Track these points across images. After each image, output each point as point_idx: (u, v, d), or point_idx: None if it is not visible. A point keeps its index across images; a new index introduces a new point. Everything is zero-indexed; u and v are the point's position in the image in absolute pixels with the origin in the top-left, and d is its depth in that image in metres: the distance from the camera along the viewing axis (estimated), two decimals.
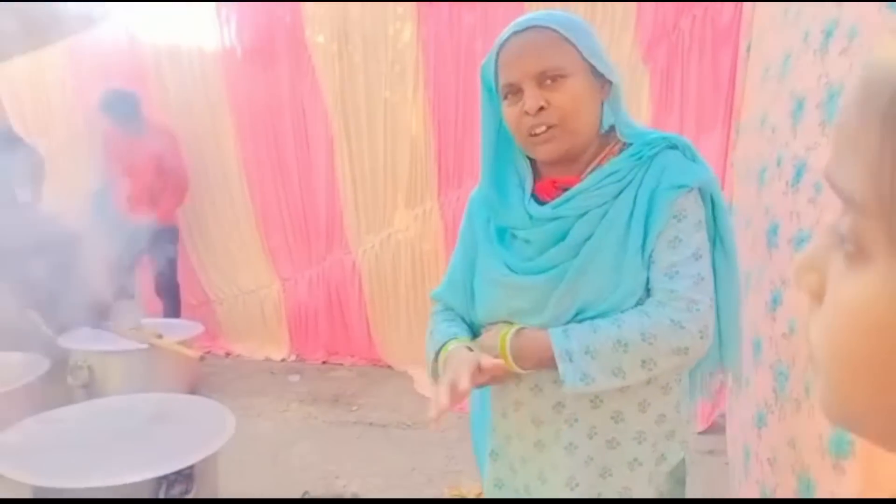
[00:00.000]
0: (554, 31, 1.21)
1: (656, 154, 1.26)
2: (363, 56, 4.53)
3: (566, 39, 1.21)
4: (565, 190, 1.28)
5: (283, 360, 5.06)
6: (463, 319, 1.47)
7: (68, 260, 4.45)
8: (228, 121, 5.00)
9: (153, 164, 4.87)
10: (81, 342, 4.21)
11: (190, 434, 2.94)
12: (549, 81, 1.21)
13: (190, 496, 2.55)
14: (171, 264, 5.17)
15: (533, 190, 1.33)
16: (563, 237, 1.27)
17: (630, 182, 1.25)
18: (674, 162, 1.26)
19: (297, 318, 5.05)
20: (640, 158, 1.26)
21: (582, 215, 1.26)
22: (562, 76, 1.20)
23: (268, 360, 5.09)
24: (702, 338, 1.21)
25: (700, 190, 1.26)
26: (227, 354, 5.22)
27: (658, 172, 1.24)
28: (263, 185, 4.99)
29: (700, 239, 1.25)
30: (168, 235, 5.09)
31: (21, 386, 3.50)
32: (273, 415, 4.09)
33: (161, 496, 2.59)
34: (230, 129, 5.00)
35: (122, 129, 4.87)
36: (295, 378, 4.71)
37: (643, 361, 1.20)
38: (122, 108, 4.78)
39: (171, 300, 5.14)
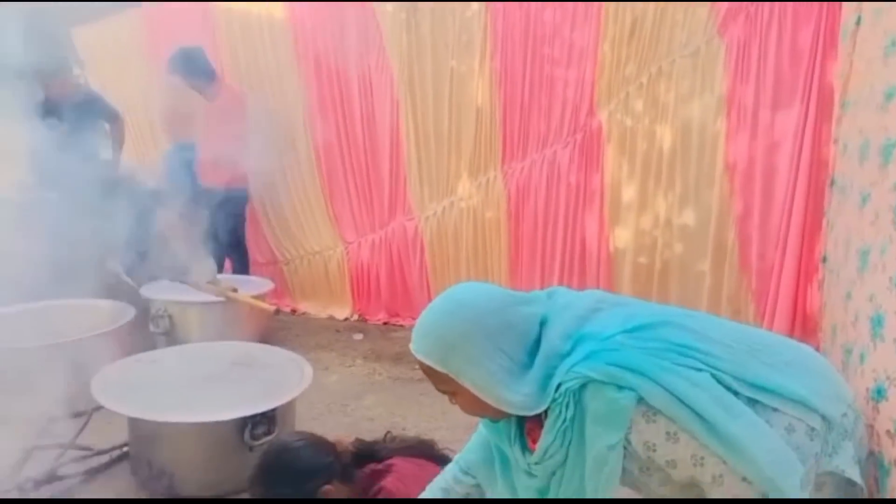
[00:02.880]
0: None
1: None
2: (431, 25, 4.59)
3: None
4: None
5: (346, 320, 5.26)
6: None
7: (147, 216, 4.70)
8: (297, 87, 5.14)
9: (224, 127, 5.03)
10: (162, 293, 4.47)
11: (272, 380, 3.15)
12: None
13: (271, 438, 2.72)
14: (241, 224, 5.40)
15: None
16: None
17: None
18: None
19: (360, 280, 5.23)
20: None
21: None
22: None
23: (332, 318, 5.30)
24: None
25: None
26: (293, 312, 5.45)
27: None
28: (330, 151, 5.14)
29: None
30: (238, 196, 5.30)
31: (111, 330, 3.76)
32: (340, 369, 4.29)
33: (245, 437, 2.80)
34: (298, 95, 5.15)
35: (193, 90, 5.04)
36: (358, 336, 4.90)
37: None
38: (193, 66, 4.93)
39: (240, 259, 5.38)
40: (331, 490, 1.79)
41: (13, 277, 4.18)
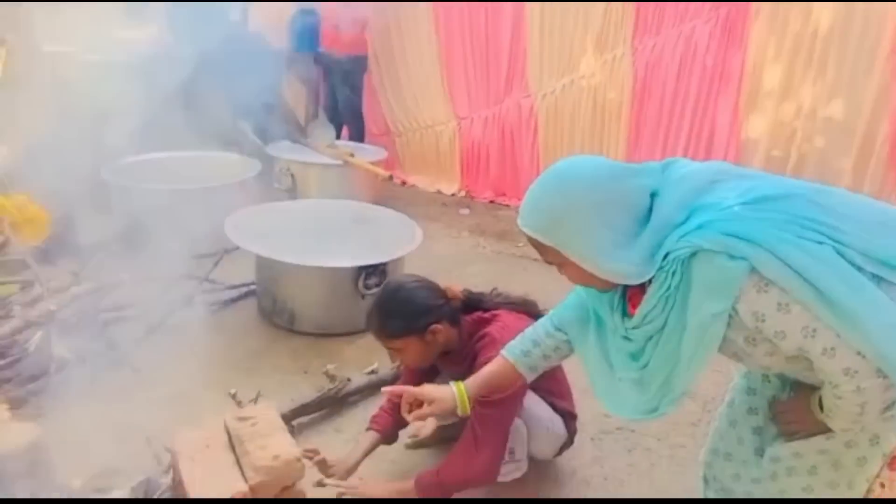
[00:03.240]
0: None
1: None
2: None
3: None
4: None
5: (453, 195, 5.34)
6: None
7: (273, 78, 4.86)
8: None
9: None
10: (285, 152, 4.69)
11: (384, 238, 3.30)
12: None
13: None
14: (358, 93, 5.48)
15: None
16: None
17: None
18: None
19: (470, 157, 5.23)
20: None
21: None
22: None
23: (439, 193, 5.39)
24: None
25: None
26: (403, 184, 5.59)
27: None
28: (450, 24, 4.99)
29: None
30: (357, 64, 5.35)
31: (240, 181, 4.03)
32: (446, 239, 4.41)
33: (359, 286, 2.99)
34: None
35: None
36: (465, 211, 4.99)
37: None
38: None
39: (356, 127, 5.50)
40: (439, 329, 1.89)
41: (152, 128, 4.53)
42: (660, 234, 1.23)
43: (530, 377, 1.67)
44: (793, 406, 1.39)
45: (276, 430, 1.84)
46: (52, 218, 2.48)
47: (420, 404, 1.67)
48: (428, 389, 1.69)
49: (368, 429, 2.11)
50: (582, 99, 4.51)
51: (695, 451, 1.69)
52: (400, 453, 2.28)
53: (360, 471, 2.02)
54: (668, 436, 2.43)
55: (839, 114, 3.52)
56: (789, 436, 1.38)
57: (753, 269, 1.15)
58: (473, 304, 2.02)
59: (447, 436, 2.28)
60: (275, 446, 1.77)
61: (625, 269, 1.24)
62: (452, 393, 1.64)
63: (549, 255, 1.32)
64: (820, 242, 1.16)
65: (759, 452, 1.45)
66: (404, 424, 2.18)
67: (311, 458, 1.90)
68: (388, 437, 2.12)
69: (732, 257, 1.16)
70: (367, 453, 2.05)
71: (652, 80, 4.18)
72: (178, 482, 1.77)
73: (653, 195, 1.28)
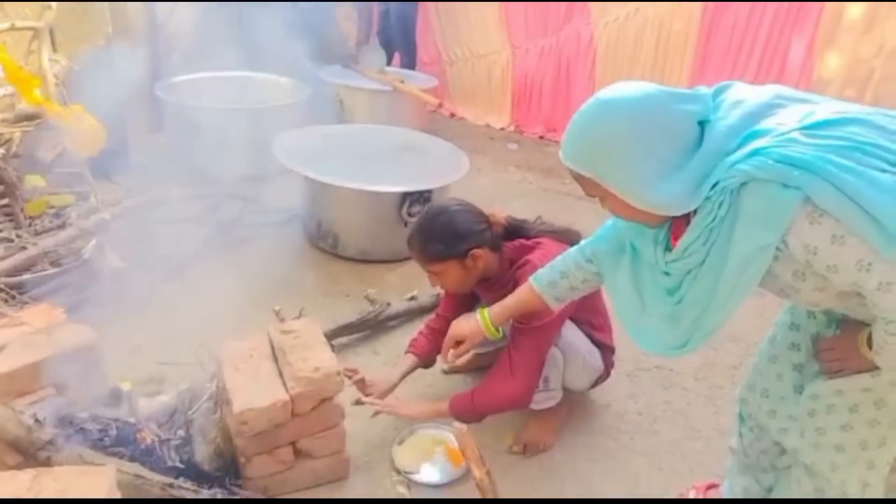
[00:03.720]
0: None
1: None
2: None
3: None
4: None
5: (502, 129, 5.23)
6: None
7: (325, 2, 4.76)
8: None
9: None
10: (335, 77, 4.64)
11: (431, 166, 3.26)
12: None
13: None
14: (411, 20, 5.33)
15: None
16: None
17: None
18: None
19: (522, 89, 5.08)
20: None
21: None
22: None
23: (488, 126, 5.28)
24: None
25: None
26: (452, 115, 5.49)
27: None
28: None
29: None
30: None
31: (290, 104, 4.02)
32: (492, 173, 4.35)
33: (402, 212, 2.98)
34: None
35: None
36: (513, 146, 4.88)
37: None
38: None
39: (408, 54, 5.38)
40: (479, 254, 1.87)
41: (208, 48, 4.52)
42: (709, 162, 1.15)
43: (555, 307, 1.68)
44: (838, 343, 1.33)
45: (317, 344, 1.89)
46: (107, 131, 2.51)
47: (458, 343, 1.78)
48: (458, 329, 1.79)
49: (407, 352, 2.14)
50: (645, 29, 4.27)
51: (732, 393, 1.66)
52: (437, 377, 2.31)
53: (397, 393, 2.06)
54: (706, 376, 2.39)
55: None
56: (832, 373, 1.33)
57: (807, 199, 1.07)
58: (516, 230, 1.99)
59: (483, 364, 2.31)
60: (315, 359, 1.82)
61: (666, 200, 1.17)
62: (478, 321, 1.71)
63: (590, 188, 1.26)
64: (882, 170, 1.07)
65: (799, 390, 1.41)
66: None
67: (350, 377, 1.94)
68: (426, 361, 2.15)
69: (785, 186, 1.08)
70: (404, 375, 2.08)
71: (722, 11, 3.92)
72: (221, 389, 1.84)
73: (703, 123, 1.19)
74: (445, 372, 2.35)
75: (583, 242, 1.60)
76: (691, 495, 1.81)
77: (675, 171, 1.16)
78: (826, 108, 1.17)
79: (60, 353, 1.83)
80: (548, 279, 1.63)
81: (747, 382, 1.56)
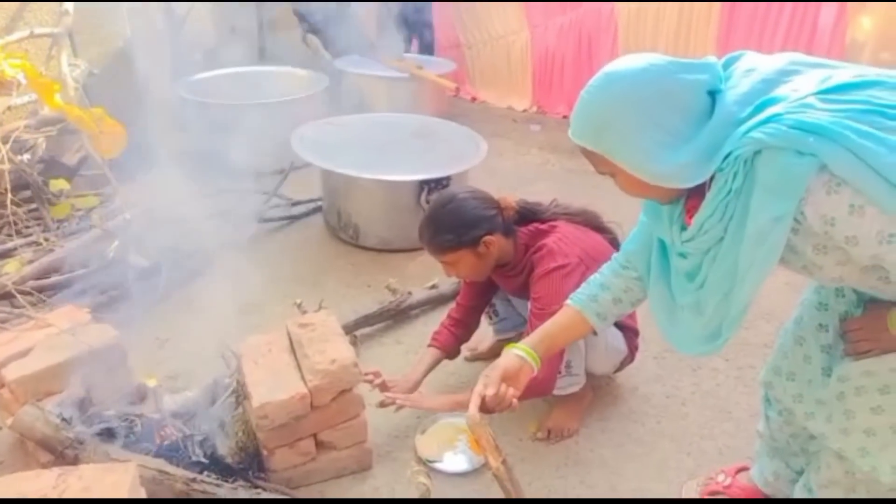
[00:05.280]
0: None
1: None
2: None
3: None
4: None
5: (524, 111, 5.15)
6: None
7: None
8: None
9: None
10: (353, 66, 4.62)
11: (449, 152, 3.23)
12: None
13: None
14: (427, 4, 5.28)
15: None
16: None
17: None
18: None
19: (543, 69, 4.98)
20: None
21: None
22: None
23: (510, 109, 5.21)
24: None
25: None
26: (473, 99, 5.43)
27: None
28: None
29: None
30: None
31: (308, 96, 4.02)
32: (514, 157, 4.29)
33: (421, 200, 2.95)
34: None
35: None
36: (536, 128, 4.81)
37: None
38: None
39: (425, 39, 5.34)
40: (491, 240, 1.84)
41: (222, 43, 4.55)
42: (720, 132, 1.10)
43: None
44: (866, 322, 1.26)
45: (334, 336, 1.89)
46: (128, 131, 2.55)
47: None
48: (496, 375, 1.46)
49: (430, 345, 2.11)
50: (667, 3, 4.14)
51: None
52: (459, 365, 2.30)
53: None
54: (736, 356, 2.32)
55: None
56: (860, 354, 1.26)
57: (824, 167, 1.01)
58: (529, 214, 1.94)
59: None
60: (332, 351, 1.81)
61: (675, 171, 1.12)
62: (516, 356, 1.47)
63: (600, 165, 1.21)
64: None
65: (827, 373, 1.34)
66: (465, 340, 2.19)
67: (371, 382, 1.92)
68: (450, 354, 2.13)
69: (800, 154, 1.02)
70: (429, 370, 2.06)
71: None
72: (241, 384, 1.85)
73: (714, 93, 1.14)
74: (468, 359, 2.33)
75: (616, 253, 1.54)
76: (720, 479, 1.75)
77: (684, 142, 1.12)
78: (845, 71, 1.10)
79: (85, 352, 1.87)
80: (587, 294, 1.51)
81: (772, 365, 1.50)
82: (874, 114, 1.01)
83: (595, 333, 1.55)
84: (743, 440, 1.96)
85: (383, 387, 1.95)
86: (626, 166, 1.16)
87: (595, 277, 1.53)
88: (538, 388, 1.82)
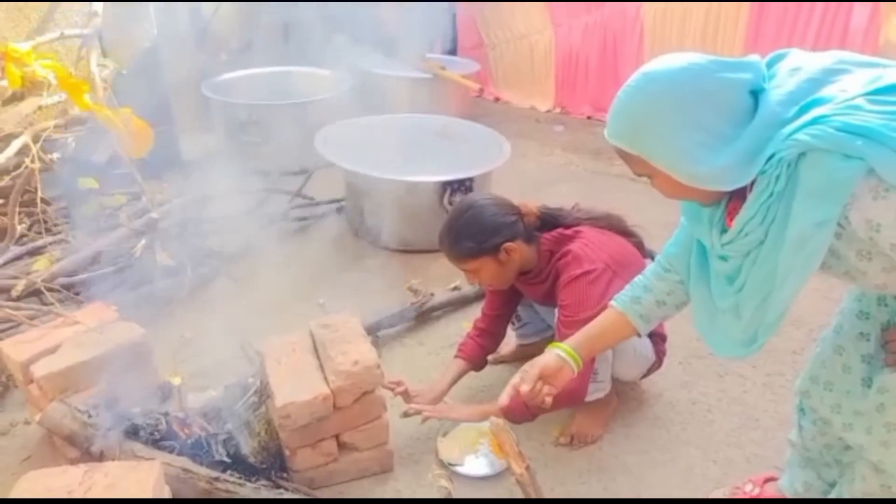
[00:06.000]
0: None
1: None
2: None
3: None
4: None
5: (547, 112, 5.12)
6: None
7: None
8: None
9: None
10: (376, 66, 4.63)
11: (472, 153, 3.22)
12: None
13: None
14: (451, 4, 5.27)
15: None
16: None
17: None
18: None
19: (566, 69, 4.95)
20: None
21: None
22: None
23: (533, 109, 5.18)
24: None
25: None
26: (497, 100, 5.41)
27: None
28: None
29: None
30: None
31: (332, 96, 4.03)
32: (537, 157, 4.27)
33: (444, 201, 2.94)
34: None
35: None
36: (559, 128, 4.78)
37: None
38: None
39: (448, 39, 5.33)
40: (513, 247, 1.82)
41: (252, 45, 4.58)
42: (763, 133, 1.07)
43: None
44: None
45: (356, 337, 1.89)
46: (154, 131, 2.58)
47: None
48: (534, 372, 1.48)
49: (456, 356, 2.09)
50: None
51: (793, 380, 1.56)
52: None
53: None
54: (764, 363, 2.28)
55: None
56: None
57: (871, 171, 0.98)
58: (551, 220, 1.91)
59: (528, 353, 2.26)
60: (355, 352, 1.81)
61: (717, 173, 1.09)
62: (557, 355, 1.47)
63: (638, 166, 1.19)
64: None
65: (867, 383, 1.30)
66: (492, 350, 2.17)
67: (393, 390, 1.91)
68: (476, 365, 2.11)
69: (847, 157, 0.99)
70: (454, 381, 2.04)
71: None
72: (265, 384, 1.86)
73: (757, 93, 1.11)
74: (491, 362, 2.32)
75: (658, 256, 1.51)
76: (747, 489, 1.72)
77: (725, 144, 1.09)
78: (895, 71, 1.07)
79: (112, 350, 1.89)
80: (630, 296, 1.50)
81: (809, 374, 1.46)
82: None
83: (639, 335, 1.52)
84: (771, 449, 1.92)
85: (406, 395, 1.94)
86: (668, 168, 1.13)
87: (638, 280, 1.51)
88: (570, 397, 1.79)
